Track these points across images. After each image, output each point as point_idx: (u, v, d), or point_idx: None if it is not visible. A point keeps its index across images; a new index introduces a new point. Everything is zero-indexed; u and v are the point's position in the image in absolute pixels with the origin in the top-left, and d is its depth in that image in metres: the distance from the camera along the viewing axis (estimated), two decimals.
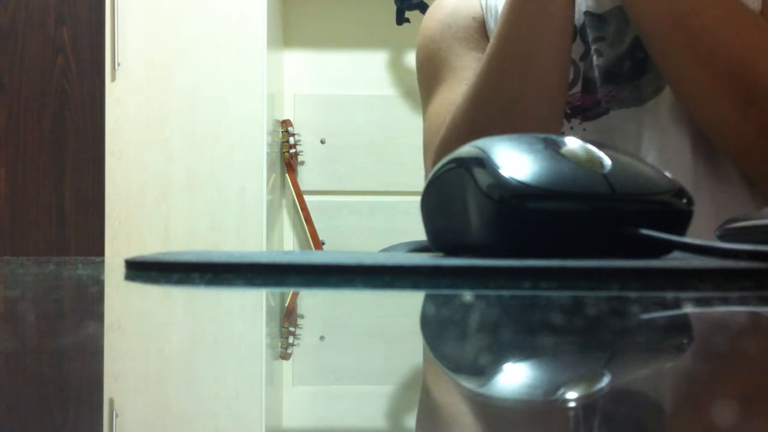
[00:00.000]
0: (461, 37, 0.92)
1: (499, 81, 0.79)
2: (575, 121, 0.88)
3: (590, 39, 0.87)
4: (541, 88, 0.78)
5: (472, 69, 0.88)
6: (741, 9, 0.77)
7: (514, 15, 0.77)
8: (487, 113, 0.79)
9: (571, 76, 0.86)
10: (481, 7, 0.93)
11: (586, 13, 0.87)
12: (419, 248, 0.97)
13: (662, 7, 0.76)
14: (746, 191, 0.82)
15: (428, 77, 0.95)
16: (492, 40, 0.79)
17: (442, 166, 0.50)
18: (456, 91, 0.89)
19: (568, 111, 0.87)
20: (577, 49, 0.87)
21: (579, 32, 0.87)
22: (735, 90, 0.74)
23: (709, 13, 0.74)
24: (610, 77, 0.86)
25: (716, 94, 0.75)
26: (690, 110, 0.80)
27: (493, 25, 0.91)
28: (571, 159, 0.45)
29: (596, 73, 0.86)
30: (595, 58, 0.86)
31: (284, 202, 3.09)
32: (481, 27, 0.93)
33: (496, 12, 0.91)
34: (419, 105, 3.29)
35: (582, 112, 0.87)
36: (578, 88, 0.87)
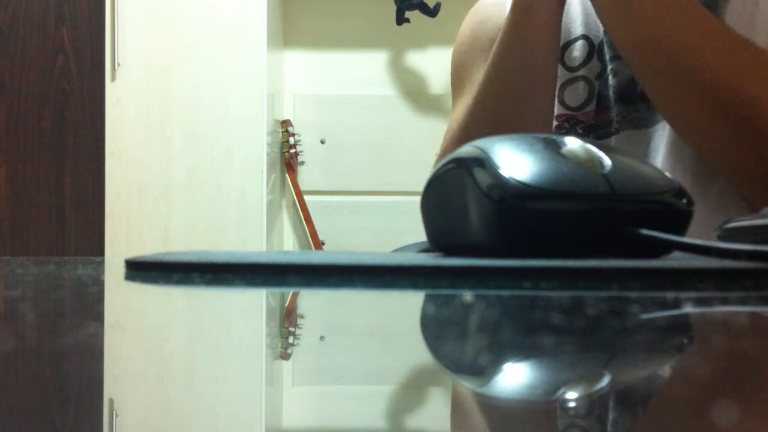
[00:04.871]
0: (487, 50, 0.94)
1: (491, 96, 0.83)
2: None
3: (608, 58, 0.87)
4: (532, 99, 0.82)
5: None
6: (727, 33, 0.73)
7: (504, 32, 0.80)
8: (481, 127, 0.83)
9: (586, 95, 0.87)
10: None
11: (606, 31, 0.87)
12: (430, 248, 0.97)
13: (639, 30, 0.74)
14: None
15: (455, 85, 1.00)
16: (489, 57, 0.83)
17: (442, 166, 0.50)
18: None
19: (580, 131, 0.88)
20: (594, 67, 0.87)
21: (597, 51, 0.88)
22: (727, 123, 0.72)
23: (689, 38, 0.72)
24: (623, 97, 0.85)
25: (707, 127, 0.73)
26: (685, 140, 0.78)
27: None
28: (571, 159, 0.45)
29: (610, 93, 0.86)
30: (610, 77, 0.86)
31: (284, 202, 3.09)
32: None
33: None
34: (419, 105, 3.28)
35: (594, 130, 0.87)
36: (592, 107, 0.87)
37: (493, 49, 0.82)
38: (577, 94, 0.88)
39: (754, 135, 0.71)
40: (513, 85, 0.81)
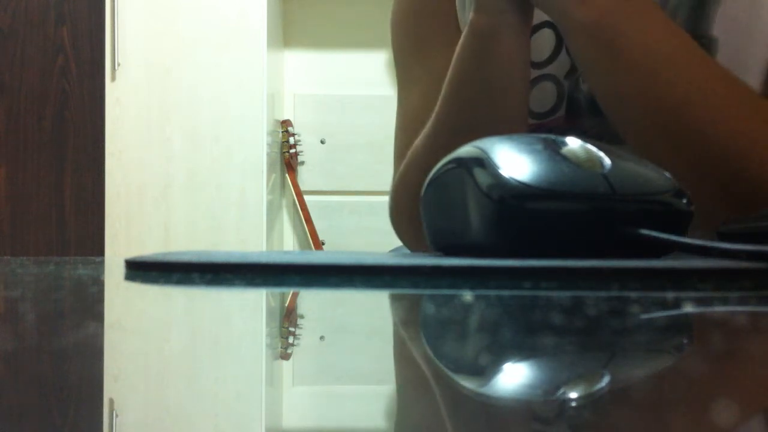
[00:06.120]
0: (437, 10, 0.78)
1: (450, 132, 0.68)
2: None
3: None
4: (501, 113, 0.67)
5: (448, 62, 0.71)
6: (738, 88, 0.62)
7: (462, 60, 0.67)
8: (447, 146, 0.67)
9: (554, 98, 0.73)
10: None
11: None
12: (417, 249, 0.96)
13: (627, 84, 0.62)
14: None
15: (402, 58, 0.83)
16: (445, 83, 0.69)
17: (442, 166, 0.50)
18: (430, 96, 0.75)
19: None
20: (563, 64, 0.73)
21: (566, 44, 0.72)
22: (729, 192, 0.61)
23: (691, 95, 0.61)
24: (596, 108, 0.70)
25: (697, 185, 0.59)
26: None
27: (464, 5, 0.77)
28: (571, 159, 0.45)
29: (582, 98, 0.73)
30: (581, 81, 0.73)
31: (284, 202, 3.09)
32: None
33: None
34: None
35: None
36: (562, 112, 0.74)
37: (449, 75, 0.68)
38: (544, 97, 0.74)
39: (747, 201, 0.61)
40: (477, 123, 0.66)
